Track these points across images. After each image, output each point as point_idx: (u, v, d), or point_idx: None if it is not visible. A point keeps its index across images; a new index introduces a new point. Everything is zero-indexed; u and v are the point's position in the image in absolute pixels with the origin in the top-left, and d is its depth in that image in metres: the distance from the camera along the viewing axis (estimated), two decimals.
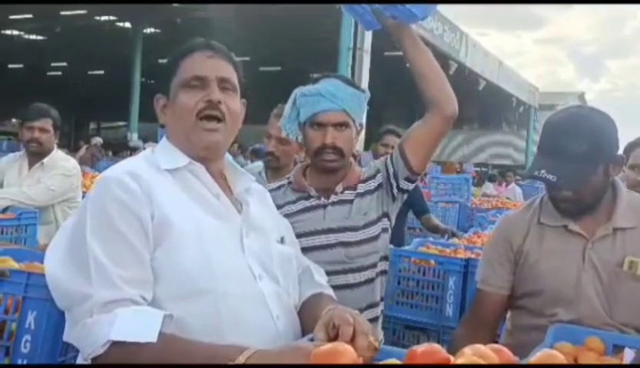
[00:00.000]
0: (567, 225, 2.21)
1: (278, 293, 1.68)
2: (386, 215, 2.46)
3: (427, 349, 1.10)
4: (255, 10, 18.65)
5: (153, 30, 24.41)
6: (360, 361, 1.09)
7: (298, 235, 2.37)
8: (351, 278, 2.37)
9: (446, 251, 4.00)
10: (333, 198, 2.44)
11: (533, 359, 1.10)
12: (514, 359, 1.12)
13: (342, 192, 2.45)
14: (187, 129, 1.68)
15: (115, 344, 1.36)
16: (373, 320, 2.41)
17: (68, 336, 1.52)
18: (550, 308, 2.19)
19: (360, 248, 2.38)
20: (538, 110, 30.63)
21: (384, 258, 2.49)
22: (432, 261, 3.74)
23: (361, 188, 2.46)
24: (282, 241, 1.85)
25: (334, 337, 1.42)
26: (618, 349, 1.83)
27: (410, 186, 2.45)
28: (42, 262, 2.62)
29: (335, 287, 2.29)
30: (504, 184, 15.28)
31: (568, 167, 2.07)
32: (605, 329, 2.03)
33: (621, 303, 2.13)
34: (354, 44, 11.69)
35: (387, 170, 2.44)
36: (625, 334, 2.05)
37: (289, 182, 2.56)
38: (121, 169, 1.61)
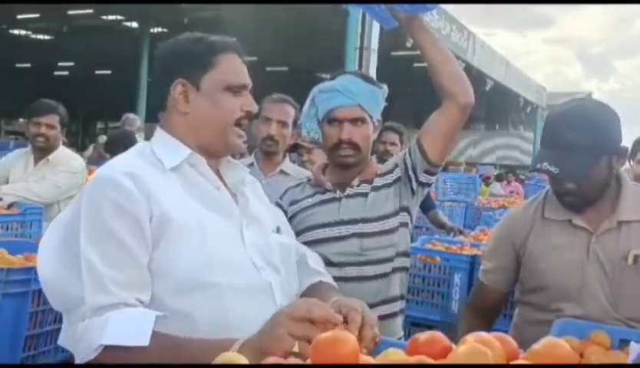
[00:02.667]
0: (571, 219, 2.21)
1: (280, 283, 1.69)
2: (405, 209, 2.46)
3: (429, 337, 1.10)
4: (262, 10, 18.66)
5: (160, 30, 24.41)
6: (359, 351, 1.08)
7: (313, 227, 2.41)
8: (365, 271, 2.36)
9: (452, 248, 4.00)
10: (349, 191, 2.45)
11: (537, 347, 1.10)
12: (517, 348, 1.12)
13: (358, 186, 2.46)
14: (222, 131, 1.71)
15: (107, 348, 1.36)
16: (388, 317, 2.40)
17: (62, 339, 1.54)
18: (555, 303, 2.19)
19: (374, 240, 2.37)
20: (545, 110, 30.54)
21: (404, 255, 2.47)
22: (438, 258, 3.74)
23: (378, 181, 2.46)
24: (277, 230, 1.86)
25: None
26: (624, 343, 1.82)
27: (431, 179, 2.45)
28: (37, 253, 2.70)
29: (349, 279, 2.32)
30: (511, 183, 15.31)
31: (570, 159, 2.07)
32: (611, 323, 2.01)
33: (627, 297, 2.13)
34: (361, 43, 11.65)
35: (405, 164, 2.44)
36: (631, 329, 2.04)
37: (308, 179, 2.59)
38: (117, 167, 1.59)
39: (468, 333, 1.09)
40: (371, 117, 2.43)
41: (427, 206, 5.21)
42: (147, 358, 1.35)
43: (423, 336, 1.11)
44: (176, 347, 1.39)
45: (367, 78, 2.47)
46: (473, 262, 3.64)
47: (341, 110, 2.37)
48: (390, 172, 2.48)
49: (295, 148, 4.93)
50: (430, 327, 3.59)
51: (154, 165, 1.64)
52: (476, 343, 0.99)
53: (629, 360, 1.51)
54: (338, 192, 2.46)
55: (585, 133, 2.08)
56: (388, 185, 2.45)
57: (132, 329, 1.37)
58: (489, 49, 21.75)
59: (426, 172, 2.40)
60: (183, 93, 1.71)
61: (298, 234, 2.43)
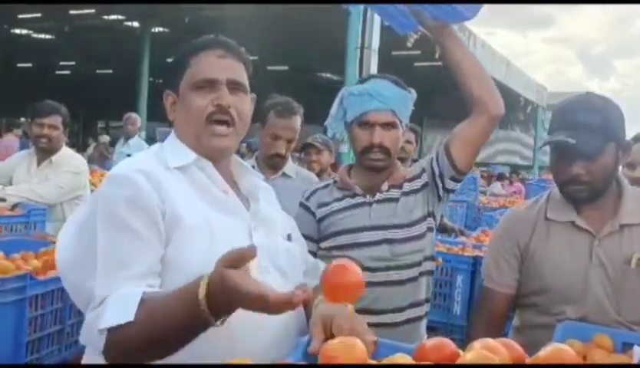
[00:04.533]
0: (574, 221, 2.21)
1: (285, 287, 1.67)
2: (431, 214, 2.47)
3: (436, 343, 1.10)
4: (263, 9, 18.64)
5: (161, 29, 24.38)
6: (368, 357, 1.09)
7: (344, 232, 2.42)
8: (395, 275, 2.37)
9: (454, 249, 4.00)
10: (378, 196, 2.45)
11: (543, 353, 1.10)
12: (524, 354, 1.12)
13: (388, 191, 2.46)
14: (197, 132, 1.68)
15: (109, 332, 1.38)
16: (416, 320, 2.42)
17: (81, 337, 1.54)
18: (558, 306, 2.18)
19: (405, 246, 2.38)
20: (546, 109, 30.49)
21: (430, 258, 2.49)
22: (440, 259, 3.74)
23: (407, 187, 2.47)
24: (289, 238, 1.85)
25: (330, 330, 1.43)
26: (627, 347, 1.82)
27: (457, 186, 2.46)
28: (35, 251, 2.73)
29: (379, 284, 2.34)
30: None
31: (584, 135, 2.08)
32: (613, 327, 2.02)
33: (629, 301, 2.13)
34: (362, 43, 11.63)
35: (432, 170, 2.45)
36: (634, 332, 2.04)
37: (335, 181, 2.59)
38: (131, 166, 1.62)
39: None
40: (401, 122, 2.44)
41: None
42: (139, 331, 1.37)
43: (430, 342, 1.12)
44: (159, 308, 1.40)
45: (398, 83, 2.47)
46: (475, 263, 3.65)
47: (374, 114, 2.38)
48: (418, 177, 2.48)
49: (304, 147, 4.94)
50: (432, 329, 3.60)
51: (165, 167, 1.65)
52: (483, 350, 1.00)
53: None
54: (368, 196, 2.46)
55: (596, 114, 2.11)
56: (416, 191, 2.46)
57: (119, 308, 1.39)
58: (490, 49, 21.71)
59: (452, 178, 2.42)
60: (172, 104, 1.76)
61: (327, 237, 2.45)
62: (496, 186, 15.06)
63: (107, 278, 1.45)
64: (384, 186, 2.46)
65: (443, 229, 5.14)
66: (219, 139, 1.68)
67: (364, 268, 2.29)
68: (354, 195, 2.48)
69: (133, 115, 8.44)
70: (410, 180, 2.48)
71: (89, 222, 1.53)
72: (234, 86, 1.70)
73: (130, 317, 1.37)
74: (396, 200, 2.44)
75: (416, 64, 23.42)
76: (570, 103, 2.22)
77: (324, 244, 2.46)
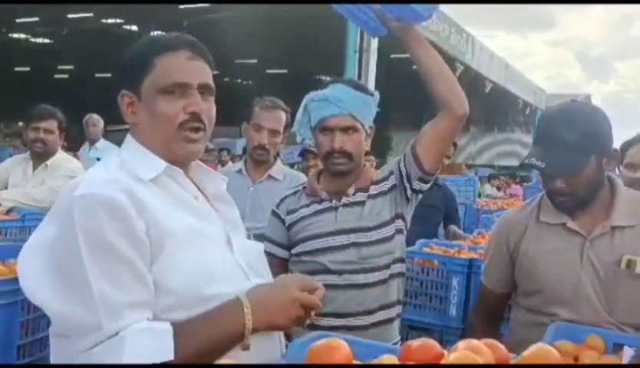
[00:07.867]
0: (565, 223, 2.23)
1: None
2: (400, 216, 2.47)
3: (422, 344, 1.10)
4: (262, 12, 18.68)
5: (159, 33, 24.47)
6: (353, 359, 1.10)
7: (311, 237, 2.44)
8: (364, 278, 2.38)
9: (449, 252, 3.99)
10: (344, 200, 2.46)
11: (526, 353, 1.10)
12: (507, 354, 1.13)
13: (354, 194, 2.47)
14: (167, 138, 1.59)
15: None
16: (386, 322, 2.43)
17: (56, 358, 1.50)
18: (549, 307, 2.20)
19: (372, 249, 2.39)
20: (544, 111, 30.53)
21: (400, 260, 2.49)
22: (435, 262, 3.73)
23: (374, 189, 2.47)
24: (248, 237, 1.85)
25: None
26: (618, 347, 1.83)
27: (425, 187, 2.46)
28: None
29: (348, 287, 2.35)
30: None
31: (558, 155, 2.10)
32: (605, 328, 2.03)
33: (620, 302, 2.14)
34: (361, 46, 11.64)
35: (400, 172, 2.44)
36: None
37: (304, 188, 2.60)
38: (109, 185, 1.47)
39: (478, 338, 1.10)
40: (363, 125, 2.44)
41: (448, 219, 5.15)
42: (178, 359, 1.36)
43: (415, 342, 1.12)
44: (192, 337, 1.41)
45: (358, 86, 2.48)
46: (471, 265, 3.64)
47: (333, 120, 2.39)
48: (386, 179, 2.48)
49: (303, 153, 4.95)
50: (427, 331, 3.60)
51: (136, 179, 1.55)
52: (467, 351, 1.00)
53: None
54: (334, 201, 2.47)
55: (573, 129, 2.11)
56: (384, 194, 2.46)
57: (153, 346, 1.35)
58: (488, 51, 21.72)
59: (420, 179, 2.41)
60: (129, 105, 1.63)
61: (296, 243, 2.48)
62: (487, 187, 15.26)
63: (113, 310, 1.37)
64: (351, 190, 2.47)
65: (446, 233, 5.15)
66: (192, 144, 1.60)
67: (332, 271, 2.33)
68: (321, 201, 2.50)
69: (94, 116, 7.87)
70: (378, 183, 2.49)
71: (66, 246, 1.41)
72: (204, 90, 1.62)
73: (170, 356, 1.34)
74: (362, 203, 2.44)
75: (415, 67, 23.44)
76: (551, 115, 2.23)
77: (294, 250, 2.50)
